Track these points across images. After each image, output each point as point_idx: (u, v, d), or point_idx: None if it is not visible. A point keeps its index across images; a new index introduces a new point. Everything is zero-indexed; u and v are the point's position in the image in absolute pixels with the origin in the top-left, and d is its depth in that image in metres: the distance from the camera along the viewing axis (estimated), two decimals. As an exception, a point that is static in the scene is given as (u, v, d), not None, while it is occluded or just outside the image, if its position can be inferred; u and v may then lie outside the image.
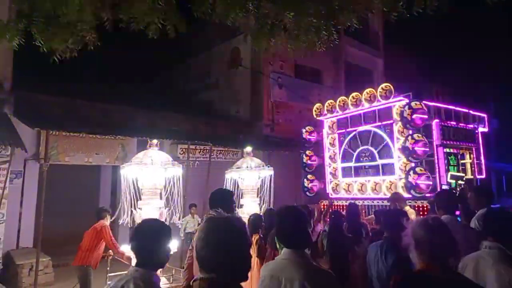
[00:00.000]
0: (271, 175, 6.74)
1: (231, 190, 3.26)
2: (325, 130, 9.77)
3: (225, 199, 3.26)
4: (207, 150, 11.32)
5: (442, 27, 17.62)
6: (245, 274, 1.50)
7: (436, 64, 19.23)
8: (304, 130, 10.03)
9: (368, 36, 16.90)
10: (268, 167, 6.68)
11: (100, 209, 6.01)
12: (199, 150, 11.29)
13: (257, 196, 6.66)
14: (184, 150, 10.69)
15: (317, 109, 9.82)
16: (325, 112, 9.53)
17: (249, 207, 6.63)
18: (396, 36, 16.58)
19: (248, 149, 6.90)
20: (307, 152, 9.99)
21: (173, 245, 5.30)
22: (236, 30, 9.08)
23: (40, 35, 4.05)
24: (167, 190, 5.28)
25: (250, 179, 6.69)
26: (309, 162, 9.90)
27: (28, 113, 7.89)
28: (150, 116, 10.43)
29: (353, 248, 4.57)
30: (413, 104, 7.45)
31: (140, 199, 5.11)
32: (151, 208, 5.07)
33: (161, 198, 5.21)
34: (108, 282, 5.34)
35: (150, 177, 5.09)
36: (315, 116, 9.81)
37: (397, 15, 4.06)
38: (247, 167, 6.57)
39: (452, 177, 8.04)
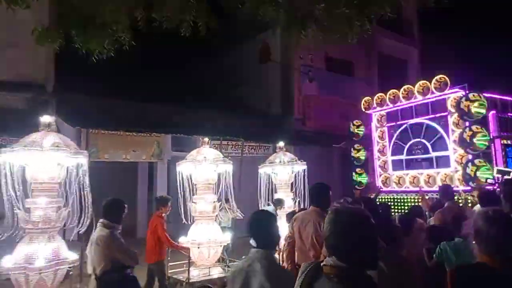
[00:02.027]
0: (304, 170, 6.70)
1: (327, 184, 3.65)
2: (374, 124, 9.71)
3: (322, 194, 3.59)
4: (239, 146, 11.42)
5: (485, 12, 16.72)
6: (374, 264, 1.57)
7: (479, 52, 18.23)
8: (351, 124, 10.05)
9: (402, 25, 16.30)
10: (301, 161, 6.64)
11: (158, 199, 6.05)
12: (231, 146, 11.39)
13: (291, 191, 6.64)
14: (216, 146, 10.83)
15: (366, 102, 9.73)
16: (375, 105, 9.42)
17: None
18: (432, 23, 15.90)
19: (281, 143, 6.89)
20: (356, 145, 10.00)
21: (226, 237, 5.53)
22: (266, 25, 9.04)
23: (79, 37, 4.22)
24: (219, 185, 5.63)
25: (284, 174, 6.68)
26: (357, 155, 9.91)
27: (69, 113, 8.28)
28: (183, 113, 10.63)
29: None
30: (471, 95, 7.28)
31: (195, 194, 5.50)
32: (205, 202, 5.40)
33: (214, 192, 5.57)
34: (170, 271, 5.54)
35: (203, 173, 5.47)
36: (363, 110, 9.74)
37: (435, 1, 3.89)
38: (280, 161, 6.57)
39: (498, 172, 7.72)
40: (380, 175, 9.51)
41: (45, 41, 4.32)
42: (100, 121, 8.24)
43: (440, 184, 7.75)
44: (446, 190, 5.34)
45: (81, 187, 4.31)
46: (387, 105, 9.15)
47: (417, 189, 8.36)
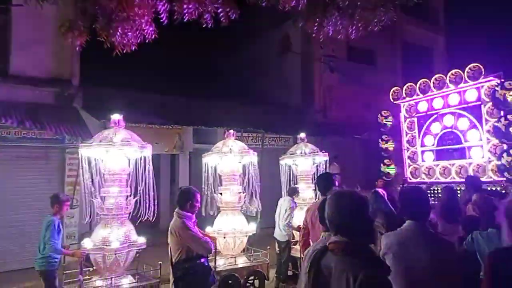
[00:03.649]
0: (326, 161, 6.65)
1: (330, 173, 4.23)
2: (402, 114, 9.54)
3: (328, 183, 3.82)
4: (259, 137, 11.42)
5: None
6: (373, 237, 1.80)
7: (509, 38, 17.48)
8: (379, 115, 9.91)
9: (427, 12, 15.78)
10: (323, 152, 6.59)
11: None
12: (252, 138, 11.41)
13: (312, 182, 6.61)
14: (237, 137, 10.87)
15: (395, 92, 9.56)
16: (404, 95, 9.25)
17: (304, 193, 6.61)
18: (459, 10, 15.34)
19: (302, 135, 6.86)
20: (383, 136, 9.89)
21: (251, 227, 5.62)
22: (286, 15, 8.95)
23: (103, 30, 4.30)
24: (245, 176, 5.75)
25: (305, 165, 6.66)
26: (385, 146, 9.80)
27: (94, 106, 8.49)
28: (203, 105, 10.71)
29: None
30: (506, 84, 7.06)
31: (221, 185, 5.63)
32: (230, 193, 5.55)
33: (240, 183, 5.69)
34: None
35: (229, 164, 5.61)
36: (392, 100, 9.59)
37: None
38: (301, 153, 6.54)
39: None
40: (409, 166, 9.36)
41: (71, 36, 4.42)
42: (124, 114, 8.39)
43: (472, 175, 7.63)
44: (474, 182, 5.21)
45: (145, 178, 4.75)
46: (417, 94, 8.94)
47: (448, 180, 8.19)
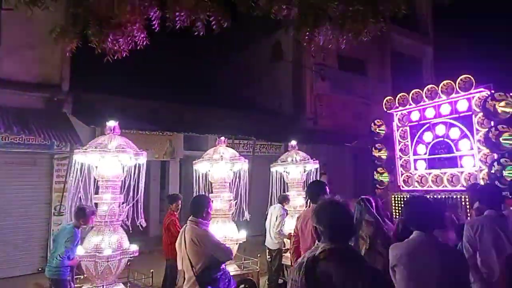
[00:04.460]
0: (316, 169, 6.68)
1: (321, 181, 4.24)
2: (395, 123, 9.68)
3: (318, 191, 3.78)
4: (250, 145, 11.43)
5: (502, 7, 16.38)
6: (351, 242, 1.93)
7: (498, 50, 17.88)
8: (372, 124, 10.04)
9: (416, 22, 16.09)
10: (314, 160, 6.62)
11: (169, 197, 6.29)
12: (243, 145, 11.42)
13: (303, 190, 6.62)
14: (228, 144, 10.86)
15: (388, 102, 9.70)
16: (397, 105, 9.40)
17: (295, 201, 6.62)
18: (447, 21, 15.65)
19: (293, 142, 6.88)
20: (377, 145, 10.01)
21: (242, 235, 5.57)
22: (278, 24, 9.04)
23: (95, 36, 4.28)
24: (235, 184, 5.73)
25: (296, 173, 6.68)
26: (379, 155, 9.92)
27: (84, 112, 8.41)
28: (195, 112, 10.70)
29: None
30: (496, 95, 7.23)
31: (212, 192, 5.60)
32: (221, 200, 5.50)
33: (230, 191, 5.65)
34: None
35: (220, 171, 5.58)
36: (385, 109, 9.73)
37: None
38: (292, 160, 6.56)
39: None
40: (402, 174, 9.48)
41: (62, 41, 4.40)
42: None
43: (465, 183, 7.75)
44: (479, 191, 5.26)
45: (137, 185, 4.75)
46: (410, 104, 9.11)
47: (440, 188, 8.29)
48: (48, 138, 7.33)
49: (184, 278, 3.50)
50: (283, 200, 6.63)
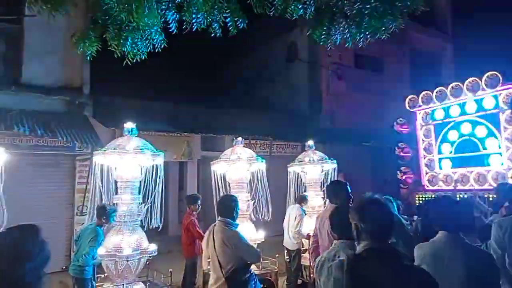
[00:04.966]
0: (334, 169, 6.62)
1: (342, 181, 4.13)
2: (418, 122, 9.52)
3: (337, 191, 3.77)
4: (267, 145, 11.44)
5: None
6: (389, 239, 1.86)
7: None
8: (395, 122, 9.94)
9: (435, 19, 15.76)
10: (332, 160, 6.57)
11: (188, 198, 6.33)
12: (259, 145, 11.43)
13: (321, 190, 6.58)
14: (245, 145, 10.90)
15: (411, 100, 9.56)
16: (420, 103, 9.25)
17: (313, 201, 6.59)
18: (467, 16, 15.27)
19: (310, 142, 6.85)
20: (400, 144, 9.90)
21: (260, 235, 5.58)
22: (293, 24, 9.04)
23: (114, 40, 4.37)
24: (253, 184, 5.73)
25: (313, 173, 6.63)
26: (402, 154, 9.80)
27: (104, 114, 8.60)
28: (211, 113, 10.78)
29: None
30: None
31: (229, 192, 5.57)
32: (239, 201, 5.39)
33: (248, 191, 5.66)
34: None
35: (237, 172, 5.58)
36: (408, 108, 9.60)
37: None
38: (310, 160, 6.52)
39: None
40: (426, 174, 9.31)
41: (82, 46, 4.51)
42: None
43: (492, 183, 7.55)
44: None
45: (156, 186, 4.80)
46: (434, 102, 8.93)
47: (467, 187, 8.11)
48: (70, 140, 7.53)
49: (203, 278, 3.51)
50: (301, 200, 6.60)
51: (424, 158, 9.37)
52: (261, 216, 5.85)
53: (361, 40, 4.67)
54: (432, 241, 2.35)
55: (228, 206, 3.56)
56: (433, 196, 8.41)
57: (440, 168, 8.99)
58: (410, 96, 9.65)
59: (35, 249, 1.56)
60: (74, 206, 8.36)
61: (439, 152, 9.01)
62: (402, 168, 9.78)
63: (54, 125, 7.63)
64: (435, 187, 8.96)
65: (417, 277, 1.72)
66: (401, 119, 9.91)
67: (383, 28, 4.34)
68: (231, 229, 3.46)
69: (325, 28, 4.54)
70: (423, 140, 9.42)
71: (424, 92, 9.20)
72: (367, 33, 4.49)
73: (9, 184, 4.69)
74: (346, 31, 4.56)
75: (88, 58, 4.77)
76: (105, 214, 4.74)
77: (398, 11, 4.18)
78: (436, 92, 8.81)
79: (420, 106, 9.29)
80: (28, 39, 8.26)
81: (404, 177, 9.75)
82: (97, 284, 4.68)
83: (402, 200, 6.59)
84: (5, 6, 7.95)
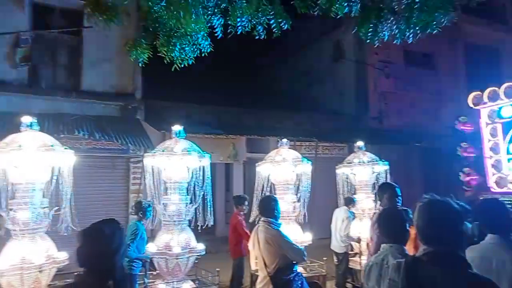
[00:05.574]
0: (386, 170, 6.39)
1: (394, 184, 3.97)
2: (483, 120, 8.97)
3: (388, 193, 3.70)
4: (313, 146, 11.31)
5: None
6: (464, 245, 1.78)
7: None
8: (457, 121, 9.47)
9: (493, 10, 14.68)
10: (383, 161, 6.36)
11: (236, 199, 6.45)
12: (305, 147, 11.32)
13: (372, 192, 6.39)
14: (290, 147, 10.87)
15: (475, 97, 9.07)
16: (485, 100, 8.74)
17: (363, 203, 6.41)
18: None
19: (360, 143, 6.67)
20: (462, 144, 9.43)
21: (307, 237, 5.56)
22: (339, 22, 8.88)
23: (163, 47, 4.58)
24: (298, 186, 5.68)
25: (363, 174, 6.44)
26: (465, 154, 9.33)
27: (155, 118, 9.01)
28: (256, 115, 10.88)
29: None
30: None
31: (275, 194, 5.56)
32: (284, 202, 5.43)
33: (293, 193, 5.65)
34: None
35: (282, 173, 5.58)
36: (472, 106, 9.10)
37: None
38: (359, 161, 6.35)
39: None
40: (493, 175, 8.71)
41: (135, 54, 4.77)
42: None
43: None
44: None
45: (203, 186, 4.94)
46: (501, 99, 8.34)
47: None
48: (124, 143, 7.97)
49: (251, 278, 3.56)
50: (349, 202, 6.45)
51: (491, 158, 8.73)
52: (305, 219, 5.79)
53: (411, 36, 4.49)
54: (481, 244, 2.34)
55: (268, 206, 3.61)
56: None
57: (510, 169, 8.34)
58: (474, 93, 9.05)
59: (121, 242, 1.83)
60: (129, 205, 8.81)
61: (508, 152, 8.36)
62: (465, 169, 9.23)
63: (110, 129, 8.11)
64: (504, 189, 8.31)
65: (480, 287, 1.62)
66: (463, 117, 9.34)
67: (434, 23, 4.14)
68: (273, 228, 3.50)
69: (371, 25, 4.42)
70: (489, 140, 8.77)
71: (490, 89, 8.61)
72: (417, 28, 4.31)
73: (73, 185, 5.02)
74: (394, 27, 4.41)
75: (140, 64, 5.04)
76: (141, 209, 4.95)
77: (450, 3, 3.96)
78: (505, 88, 8.21)
79: (485, 103, 8.68)
80: (87, 49, 8.87)
81: (467, 179, 9.18)
82: (149, 281, 4.88)
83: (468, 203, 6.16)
84: (68, 19, 8.63)
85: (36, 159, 3.71)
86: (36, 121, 3.96)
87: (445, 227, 1.70)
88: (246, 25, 4.28)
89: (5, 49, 8.01)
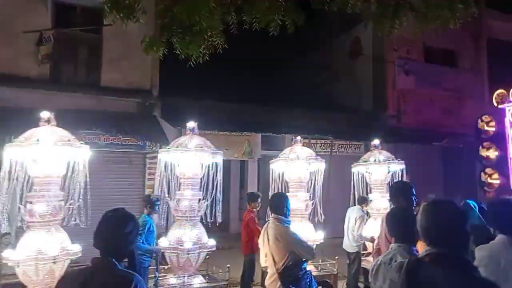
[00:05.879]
0: (402, 169, 6.27)
1: (409, 182, 3.93)
2: (508, 119, 8.75)
3: (405, 190, 3.57)
4: (328, 144, 11.21)
5: None
6: (466, 249, 1.73)
7: None
8: (480, 120, 9.27)
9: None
10: (399, 160, 6.24)
11: (249, 196, 6.47)
12: (320, 145, 11.24)
13: (387, 191, 6.28)
14: (305, 144, 10.81)
15: (499, 96, 8.84)
16: (510, 98, 8.52)
17: (378, 203, 6.31)
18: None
19: (376, 141, 6.57)
20: (485, 143, 9.23)
21: (319, 236, 5.53)
22: (356, 18, 8.75)
23: (179, 44, 4.62)
24: (311, 184, 5.64)
25: (379, 173, 6.34)
26: (487, 154, 9.13)
27: (171, 115, 9.10)
28: (272, 112, 10.85)
29: None
30: None
31: (288, 191, 5.53)
32: (297, 200, 5.42)
33: (306, 191, 5.60)
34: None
35: (296, 171, 5.53)
36: (495, 104, 8.90)
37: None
38: (375, 160, 6.25)
39: None
40: None
41: (151, 51, 4.83)
42: (198, 121, 8.90)
43: None
44: None
45: (216, 183, 4.93)
46: None
47: None
48: (141, 139, 8.09)
49: (262, 275, 3.56)
50: (362, 201, 6.37)
51: (515, 159, 8.48)
52: (320, 217, 5.74)
53: (430, 32, 4.39)
54: (492, 243, 2.36)
55: (278, 203, 3.61)
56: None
57: None
58: (498, 91, 8.79)
59: (134, 227, 1.96)
60: (144, 200, 8.95)
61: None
62: (487, 170, 8.99)
63: (127, 125, 8.25)
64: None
65: None
66: (486, 116, 9.08)
67: (454, 18, 4.02)
68: (283, 225, 3.50)
69: (389, 21, 4.33)
70: (512, 139, 8.51)
71: None
72: (436, 23, 4.20)
73: (89, 179, 5.13)
74: (413, 23, 4.32)
75: (158, 60, 5.08)
76: (149, 203, 5.03)
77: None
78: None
79: (510, 101, 8.42)
80: (106, 47, 9.03)
81: (489, 180, 8.95)
82: (160, 274, 4.93)
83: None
84: (88, 18, 8.81)
85: (53, 153, 3.80)
86: (54, 116, 4.05)
87: (448, 228, 1.67)
88: (260, 21, 4.27)
89: (29, 47, 8.23)
